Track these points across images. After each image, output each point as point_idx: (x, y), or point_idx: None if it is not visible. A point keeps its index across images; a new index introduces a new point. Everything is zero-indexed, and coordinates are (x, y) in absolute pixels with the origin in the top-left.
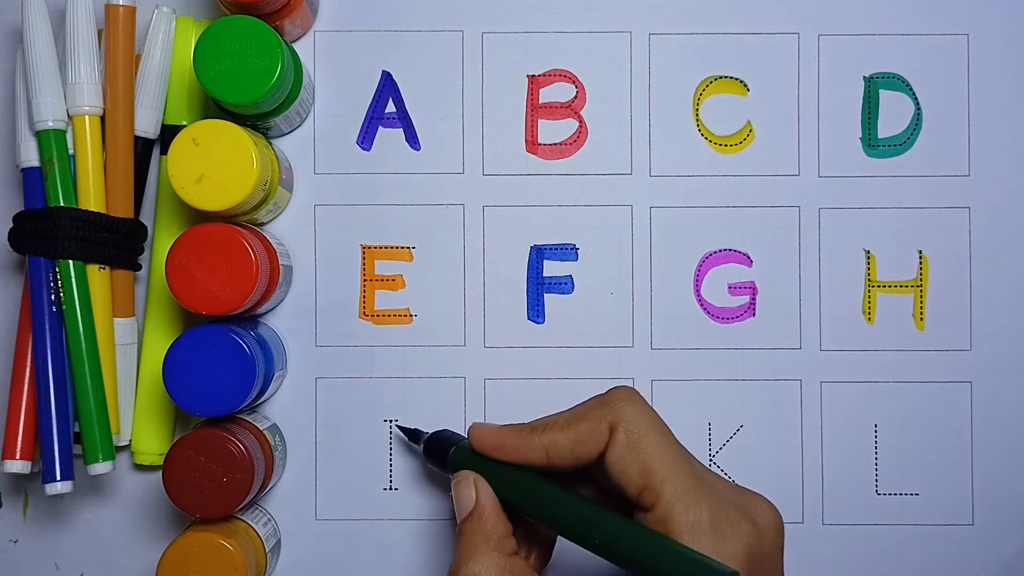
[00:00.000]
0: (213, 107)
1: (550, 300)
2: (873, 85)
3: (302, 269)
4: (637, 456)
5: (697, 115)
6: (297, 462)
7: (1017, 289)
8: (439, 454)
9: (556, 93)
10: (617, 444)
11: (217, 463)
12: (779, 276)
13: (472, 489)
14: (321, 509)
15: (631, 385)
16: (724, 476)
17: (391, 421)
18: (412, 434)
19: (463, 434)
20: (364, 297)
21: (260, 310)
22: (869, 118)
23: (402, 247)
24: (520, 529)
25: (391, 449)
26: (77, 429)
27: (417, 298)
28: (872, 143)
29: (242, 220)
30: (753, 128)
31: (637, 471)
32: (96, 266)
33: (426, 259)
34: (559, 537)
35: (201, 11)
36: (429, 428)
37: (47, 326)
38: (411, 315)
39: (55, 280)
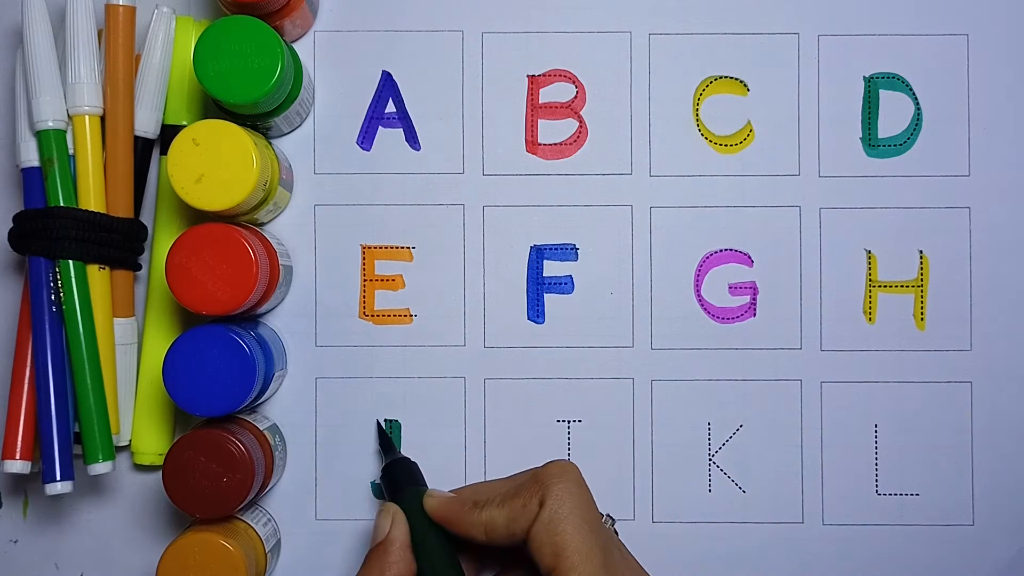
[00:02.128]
0: (213, 107)
1: (550, 300)
2: (873, 85)
3: (302, 269)
4: (553, 537)
5: (697, 115)
6: (297, 462)
7: (1017, 289)
8: (390, 484)
9: (556, 93)
10: (540, 520)
11: (217, 463)
12: (780, 276)
13: (388, 521)
14: (321, 509)
15: (633, 385)
16: (637, 565)
17: (387, 422)
18: (386, 443)
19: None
20: (364, 297)
21: (260, 310)
22: (869, 118)
23: (402, 247)
24: None
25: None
26: (77, 429)
27: (417, 298)
28: (872, 143)
29: (242, 220)
30: (753, 128)
31: (550, 552)
32: (96, 266)
33: (426, 259)
34: None
35: (201, 11)
36: (427, 427)
37: (47, 326)
38: (411, 315)
39: (55, 280)
